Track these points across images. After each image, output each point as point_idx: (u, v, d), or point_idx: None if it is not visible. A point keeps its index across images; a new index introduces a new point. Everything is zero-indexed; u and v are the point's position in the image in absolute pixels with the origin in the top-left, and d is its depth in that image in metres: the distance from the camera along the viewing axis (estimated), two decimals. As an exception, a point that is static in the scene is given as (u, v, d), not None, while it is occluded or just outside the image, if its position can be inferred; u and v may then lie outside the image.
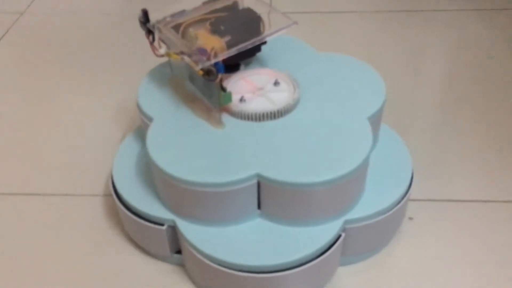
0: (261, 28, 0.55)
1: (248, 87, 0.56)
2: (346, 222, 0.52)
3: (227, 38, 0.52)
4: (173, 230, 0.53)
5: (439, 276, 0.55)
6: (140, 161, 0.59)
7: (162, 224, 0.53)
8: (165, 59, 0.57)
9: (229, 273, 0.49)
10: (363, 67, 0.60)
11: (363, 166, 0.50)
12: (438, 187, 0.65)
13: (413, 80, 0.84)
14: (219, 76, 0.50)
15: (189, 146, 0.51)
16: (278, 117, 0.53)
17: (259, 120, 0.53)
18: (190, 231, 0.51)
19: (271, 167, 0.48)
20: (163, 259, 0.58)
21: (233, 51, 0.52)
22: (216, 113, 0.53)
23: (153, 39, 0.55)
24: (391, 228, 0.57)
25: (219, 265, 0.49)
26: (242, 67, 0.59)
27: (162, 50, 0.54)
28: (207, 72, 0.49)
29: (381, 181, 0.55)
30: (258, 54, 0.59)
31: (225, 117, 0.54)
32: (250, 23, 0.55)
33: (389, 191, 0.54)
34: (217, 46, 0.51)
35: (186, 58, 0.51)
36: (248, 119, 0.53)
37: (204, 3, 0.57)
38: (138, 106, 0.57)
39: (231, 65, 0.57)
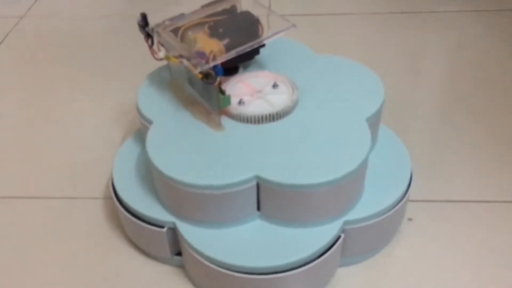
0: (260, 31, 0.55)
1: (247, 90, 0.56)
2: (346, 223, 0.52)
3: (225, 41, 0.53)
4: (173, 232, 0.54)
5: (439, 276, 0.55)
6: (140, 163, 0.59)
7: (162, 226, 0.53)
8: (164, 62, 0.57)
9: (229, 274, 0.49)
10: (362, 69, 0.60)
11: (362, 167, 0.50)
12: (437, 187, 0.65)
13: (412, 81, 0.85)
14: (218, 79, 0.50)
15: (188, 149, 0.51)
16: (277, 119, 0.54)
17: (258, 122, 0.53)
18: (190, 233, 0.51)
19: (270, 169, 0.49)
20: (163, 261, 0.58)
21: (232, 54, 0.52)
22: (215, 115, 0.53)
23: (152, 43, 0.55)
24: (391, 228, 0.58)
25: (219, 266, 0.49)
26: (241, 70, 0.60)
27: (161, 53, 0.54)
28: (206, 75, 0.50)
29: (380, 182, 0.55)
30: (257, 57, 0.60)
31: (224, 119, 0.54)
32: (249, 26, 0.55)
33: (388, 192, 0.54)
34: (216, 49, 0.52)
35: (185, 62, 0.51)
36: (247, 121, 0.53)
37: (202, 7, 0.58)
38: (138, 109, 0.57)
39: (230, 68, 0.58)
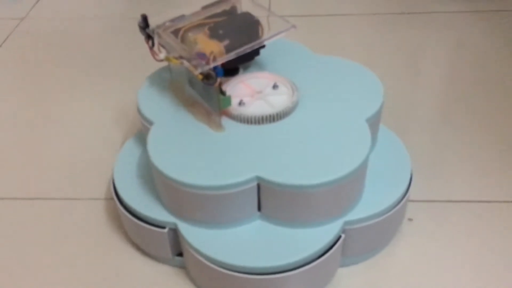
0: (260, 32, 0.55)
1: (247, 91, 0.57)
2: (346, 223, 0.52)
3: (226, 42, 0.53)
4: (175, 233, 0.54)
5: (439, 276, 0.55)
6: (141, 164, 0.59)
7: (163, 227, 0.53)
8: (164, 63, 0.57)
9: (230, 274, 0.49)
10: (361, 69, 0.60)
11: (362, 168, 0.50)
12: (437, 187, 0.65)
13: (412, 81, 0.85)
14: (218, 80, 0.50)
15: (189, 150, 0.52)
16: (277, 120, 0.54)
17: (259, 123, 0.53)
18: (191, 233, 0.52)
19: (271, 169, 0.49)
20: (164, 261, 0.58)
21: (232, 55, 0.52)
22: (215, 116, 0.53)
23: (153, 44, 0.55)
24: (391, 229, 0.58)
25: (220, 267, 0.49)
26: (241, 71, 0.60)
27: (162, 54, 0.54)
28: (206, 76, 0.50)
29: (380, 182, 0.55)
30: (257, 58, 0.60)
31: (225, 120, 0.54)
32: (249, 27, 0.55)
33: (388, 192, 0.55)
34: (216, 51, 0.52)
35: (186, 63, 0.51)
36: (248, 122, 0.53)
37: (203, 8, 0.58)
38: (139, 110, 0.57)
39: (230, 69, 0.58)
